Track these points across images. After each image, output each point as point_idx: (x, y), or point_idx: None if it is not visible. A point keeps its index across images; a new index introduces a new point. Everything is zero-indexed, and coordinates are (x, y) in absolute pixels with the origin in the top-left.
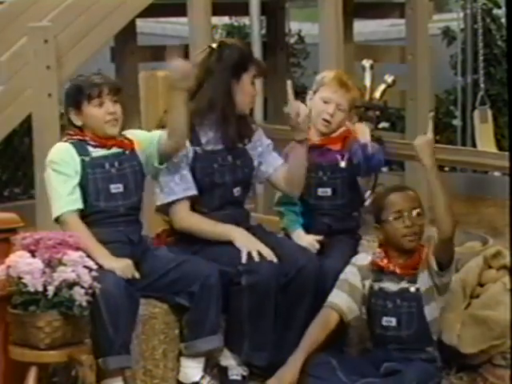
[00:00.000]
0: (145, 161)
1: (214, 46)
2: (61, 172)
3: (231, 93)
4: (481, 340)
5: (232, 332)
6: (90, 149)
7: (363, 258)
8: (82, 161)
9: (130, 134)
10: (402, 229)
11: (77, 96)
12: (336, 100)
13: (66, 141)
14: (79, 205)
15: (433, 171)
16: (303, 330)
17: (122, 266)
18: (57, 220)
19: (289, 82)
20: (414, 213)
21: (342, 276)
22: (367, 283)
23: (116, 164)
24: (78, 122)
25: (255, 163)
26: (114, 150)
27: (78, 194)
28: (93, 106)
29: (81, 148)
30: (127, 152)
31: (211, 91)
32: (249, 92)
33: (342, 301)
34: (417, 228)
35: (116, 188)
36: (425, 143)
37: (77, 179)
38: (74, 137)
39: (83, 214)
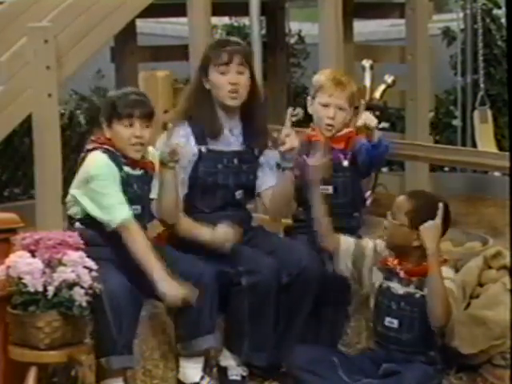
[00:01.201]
0: None
1: None
2: (109, 183)
3: (204, 90)
4: (481, 340)
5: (232, 332)
6: (123, 166)
7: (365, 242)
8: (121, 177)
9: (151, 155)
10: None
11: (109, 111)
12: (334, 102)
13: (97, 149)
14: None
15: (433, 257)
16: (304, 330)
17: (182, 292)
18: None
19: (289, 111)
20: (395, 216)
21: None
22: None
23: (140, 185)
24: (108, 134)
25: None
26: (138, 170)
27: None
28: (122, 125)
29: (117, 163)
30: (149, 174)
31: (192, 93)
32: (219, 83)
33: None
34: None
35: (135, 209)
36: (429, 227)
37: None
38: (104, 146)
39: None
